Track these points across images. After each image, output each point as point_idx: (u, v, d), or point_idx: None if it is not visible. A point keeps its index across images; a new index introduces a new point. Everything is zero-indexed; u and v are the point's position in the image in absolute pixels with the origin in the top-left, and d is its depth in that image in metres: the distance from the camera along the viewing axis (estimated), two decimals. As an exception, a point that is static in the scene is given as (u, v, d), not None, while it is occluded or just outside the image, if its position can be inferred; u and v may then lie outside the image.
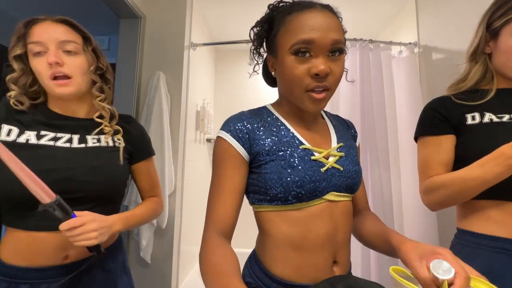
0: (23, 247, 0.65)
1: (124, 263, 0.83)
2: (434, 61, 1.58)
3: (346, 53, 0.61)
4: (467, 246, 0.73)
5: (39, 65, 0.67)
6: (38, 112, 0.72)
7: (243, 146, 0.57)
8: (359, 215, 0.69)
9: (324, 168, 0.56)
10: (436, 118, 0.79)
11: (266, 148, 0.56)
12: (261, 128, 0.59)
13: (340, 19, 0.57)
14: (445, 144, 0.77)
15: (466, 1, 1.32)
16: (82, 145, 0.72)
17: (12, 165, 0.55)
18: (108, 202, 0.74)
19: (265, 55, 0.67)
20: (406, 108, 1.64)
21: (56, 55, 0.66)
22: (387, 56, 1.68)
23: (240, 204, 0.58)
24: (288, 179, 0.53)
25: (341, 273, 0.57)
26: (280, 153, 0.55)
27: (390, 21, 2.11)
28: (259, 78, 0.72)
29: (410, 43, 1.71)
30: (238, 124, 0.58)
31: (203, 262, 0.51)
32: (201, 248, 0.53)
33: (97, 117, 0.76)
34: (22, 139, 0.67)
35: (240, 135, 0.57)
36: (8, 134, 0.67)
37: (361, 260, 1.46)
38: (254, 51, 0.66)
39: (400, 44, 1.73)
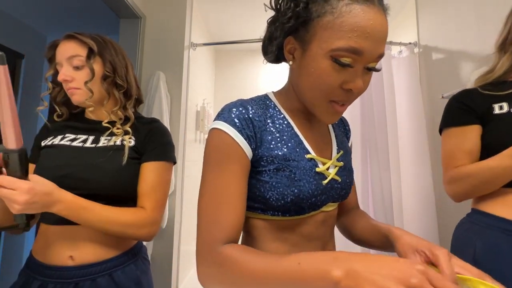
0: (41, 241, 0.69)
1: (138, 279, 0.73)
2: (434, 61, 1.58)
3: None
4: (476, 224, 0.74)
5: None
6: (72, 119, 0.80)
7: (250, 145, 0.48)
8: (349, 214, 0.67)
9: (326, 181, 0.52)
10: (461, 109, 0.78)
11: (272, 153, 0.49)
12: (268, 127, 0.51)
13: None
14: (470, 134, 0.76)
15: (466, 1, 1.32)
16: (93, 145, 0.74)
17: (6, 99, 0.52)
18: (119, 202, 0.71)
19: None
20: (406, 108, 1.64)
21: (65, 73, 0.72)
22: (387, 56, 1.68)
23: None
24: (291, 193, 0.48)
25: None
26: (286, 163, 0.49)
27: (390, 21, 2.07)
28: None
29: (410, 43, 1.71)
30: (244, 118, 0.49)
31: (239, 270, 0.40)
32: (219, 265, 0.42)
33: (106, 123, 0.75)
34: (50, 142, 0.75)
35: (248, 133, 0.48)
36: (45, 141, 0.76)
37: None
38: (277, 28, 0.50)
39: (400, 44, 1.72)
